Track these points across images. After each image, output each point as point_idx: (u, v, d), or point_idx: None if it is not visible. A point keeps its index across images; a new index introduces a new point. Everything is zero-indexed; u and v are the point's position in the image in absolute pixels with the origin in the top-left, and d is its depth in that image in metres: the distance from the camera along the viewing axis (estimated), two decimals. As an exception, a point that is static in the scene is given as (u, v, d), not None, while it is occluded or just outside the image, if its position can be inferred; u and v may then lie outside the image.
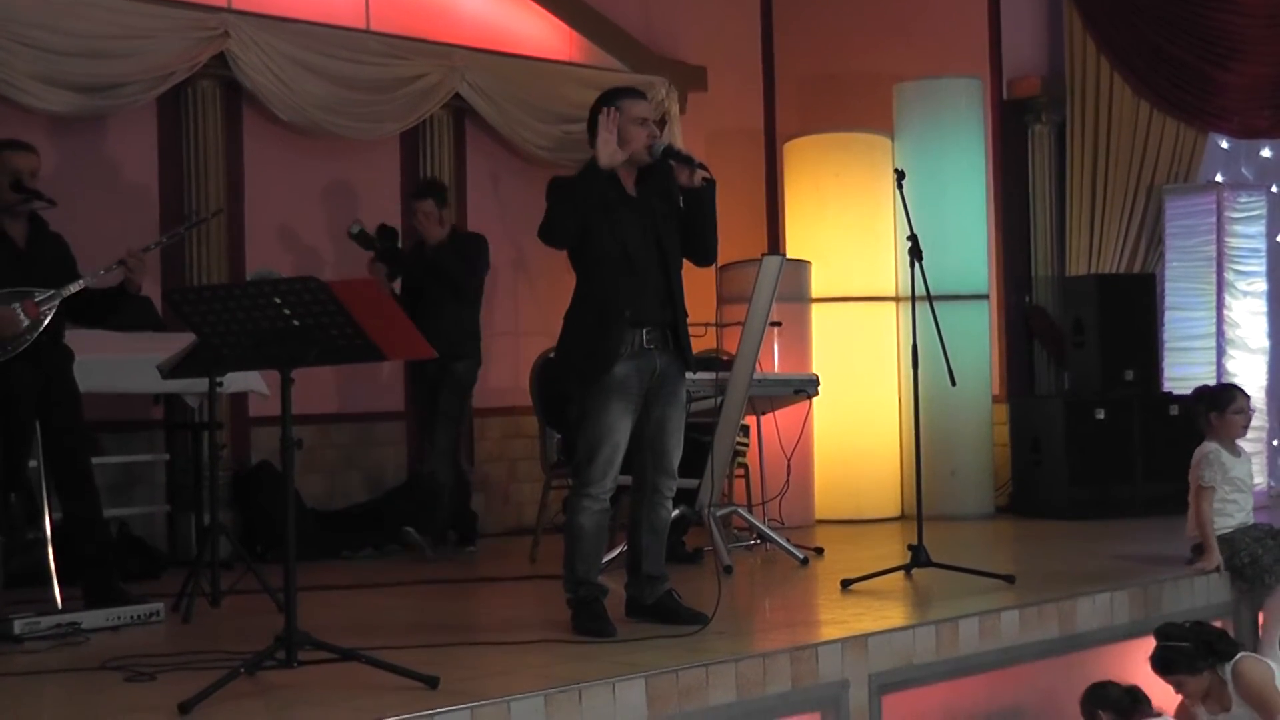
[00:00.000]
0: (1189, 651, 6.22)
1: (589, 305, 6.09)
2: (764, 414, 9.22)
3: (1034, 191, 11.45)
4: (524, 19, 10.77)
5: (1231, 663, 6.20)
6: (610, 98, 6.23)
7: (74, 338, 6.87)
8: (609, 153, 6.03)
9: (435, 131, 10.24)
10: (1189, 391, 10.61)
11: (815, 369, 9.71)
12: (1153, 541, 8.84)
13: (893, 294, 10.82)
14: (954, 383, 7.51)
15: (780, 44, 12.38)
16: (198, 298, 5.37)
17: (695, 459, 8.20)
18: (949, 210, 10.56)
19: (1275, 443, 11.36)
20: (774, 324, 9.02)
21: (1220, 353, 10.83)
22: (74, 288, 6.57)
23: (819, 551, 8.64)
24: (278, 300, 5.09)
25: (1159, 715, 6.44)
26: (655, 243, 6.10)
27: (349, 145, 9.81)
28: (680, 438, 6.26)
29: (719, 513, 8.23)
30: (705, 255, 6.26)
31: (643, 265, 6.06)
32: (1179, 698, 6.46)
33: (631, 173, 6.18)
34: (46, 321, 6.51)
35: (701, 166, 6.13)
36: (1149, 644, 6.78)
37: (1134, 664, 6.79)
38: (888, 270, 10.83)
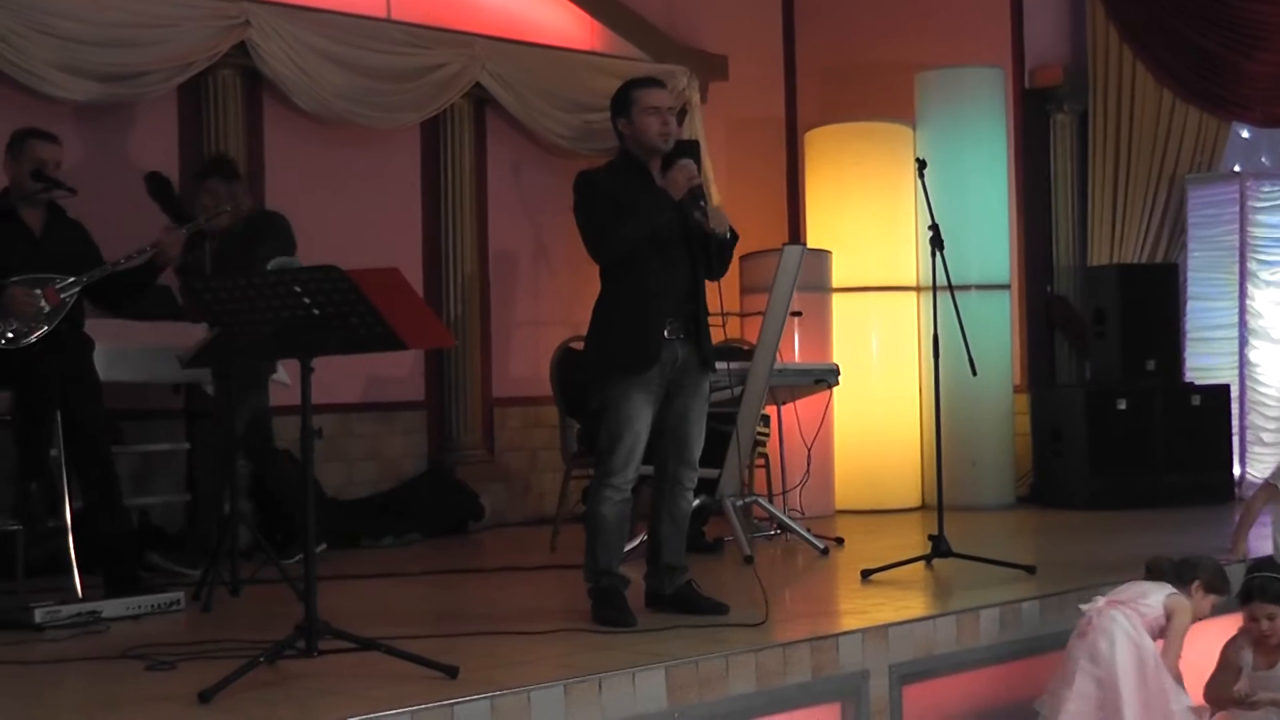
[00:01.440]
0: None
1: (626, 299, 6.06)
2: (784, 404, 9.21)
3: (1056, 181, 11.41)
4: (545, 8, 10.76)
5: None
6: (626, 87, 6.23)
7: (94, 327, 6.89)
8: (678, 193, 6.00)
9: (456, 121, 10.23)
10: (1211, 382, 10.65)
11: (836, 359, 9.70)
12: (1174, 532, 8.82)
13: (914, 284, 10.80)
14: (975, 372, 7.49)
15: (801, 33, 12.35)
16: (218, 287, 5.37)
17: (716, 449, 8.21)
18: (970, 200, 10.53)
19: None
20: (795, 314, 9.01)
21: (1242, 343, 10.79)
22: (97, 275, 6.59)
23: (839, 541, 8.63)
24: (298, 289, 5.08)
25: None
26: (681, 234, 6.09)
27: (369, 134, 9.81)
28: (702, 428, 6.25)
29: (739, 503, 8.22)
30: (711, 275, 6.24)
31: (671, 257, 6.06)
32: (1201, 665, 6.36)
33: (656, 161, 6.16)
34: (68, 309, 6.53)
35: (716, 230, 6.10)
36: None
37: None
38: (909, 260, 10.80)
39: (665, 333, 6.05)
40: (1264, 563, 6.24)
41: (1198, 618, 6.09)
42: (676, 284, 6.08)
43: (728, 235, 6.15)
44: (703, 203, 6.09)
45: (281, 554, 7.38)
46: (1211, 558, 6.39)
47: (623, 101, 6.20)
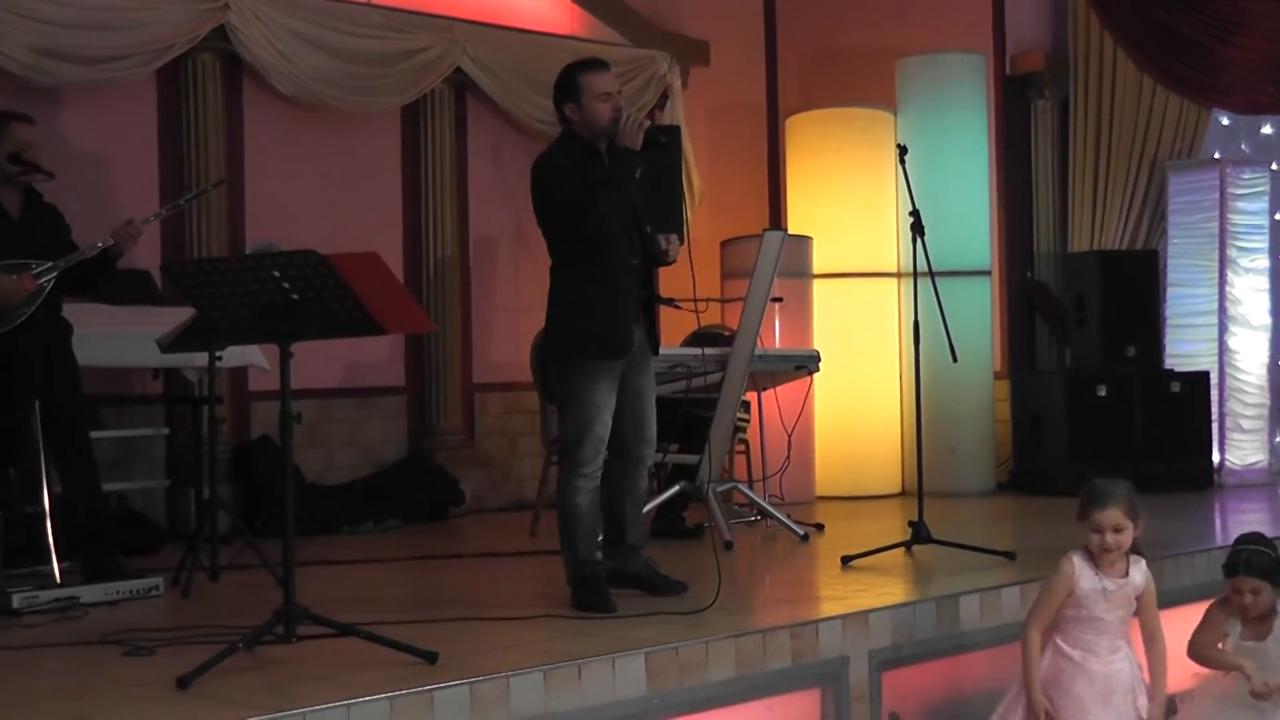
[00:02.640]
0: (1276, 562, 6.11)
1: (595, 285, 6.06)
2: (765, 390, 9.22)
3: (1036, 167, 11.41)
4: (525, -8, 10.75)
5: None
6: (572, 72, 6.17)
7: (73, 311, 6.86)
8: (636, 144, 6.03)
9: (436, 105, 10.20)
10: (1191, 368, 10.67)
11: (816, 345, 9.70)
12: (1152, 518, 8.80)
13: (894, 270, 10.80)
14: (955, 359, 7.50)
15: (782, 18, 12.34)
16: (196, 271, 5.35)
17: (696, 434, 8.22)
18: (951, 186, 10.54)
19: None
20: (775, 299, 9.01)
21: (1222, 329, 10.81)
22: (74, 259, 6.56)
23: (819, 527, 8.63)
24: (277, 273, 5.06)
25: None
26: (632, 220, 6.13)
27: (349, 119, 9.78)
28: (654, 403, 6.30)
29: (719, 488, 8.23)
30: (659, 258, 6.33)
31: (630, 243, 6.11)
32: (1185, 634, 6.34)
33: (603, 145, 6.15)
34: (45, 294, 6.50)
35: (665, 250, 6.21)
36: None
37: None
38: (890, 246, 10.81)
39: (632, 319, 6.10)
40: (1251, 536, 6.20)
41: None
42: (634, 269, 6.12)
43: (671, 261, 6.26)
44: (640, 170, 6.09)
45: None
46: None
47: (569, 87, 6.15)
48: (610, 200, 5.96)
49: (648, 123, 6.09)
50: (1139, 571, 5.60)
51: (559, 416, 6.29)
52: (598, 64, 6.22)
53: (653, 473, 8.52)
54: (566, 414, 6.13)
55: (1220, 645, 6.00)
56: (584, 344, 6.06)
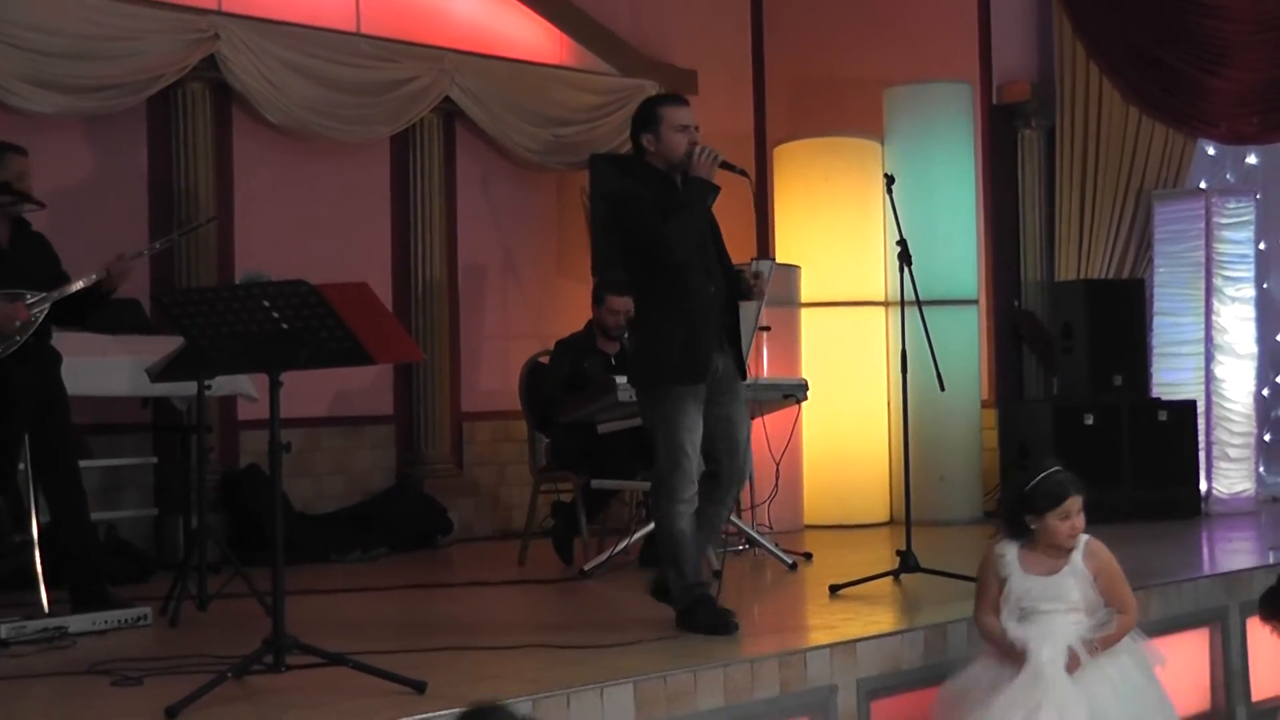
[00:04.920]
0: None
1: (676, 311, 6.08)
2: (753, 418, 9.21)
3: (1023, 196, 11.45)
4: (514, 22, 10.77)
5: None
6: (652, 104, 6.28)
7: (62, 340, 6.85)
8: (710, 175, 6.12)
9: (425, 134, 10.23)
10: (1177, 397, 10.69)
11: (804, 374, 9.72)
12: (1141, 547, 8.84)
13: (882, 299, 10.83)
14: (943, 387, 7.52)
15: (770, 48, 12.38)
16: (186, 300, 5.35)
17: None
18: (938, 215, 10.57)
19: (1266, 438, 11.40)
20: (763, 328, 9.03)
21: (1209, 358, 10.83)
22: (66, 290, 6.55)
23: (808, 556, 8.64)
24: (267, 303, 5.08)
25: None
26: (714, 243, 6.22)
27: (339, 148, 9.81)
28: (747, 432, 6.32)
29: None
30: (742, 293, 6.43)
31: (710, 271, 6.16)
32: None
33: (677, 177, 6.20)
34: (37, 324, 6.50)
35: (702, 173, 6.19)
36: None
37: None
38: (877, 275, 10.83)
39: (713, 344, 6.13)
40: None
41: None
42: (715, 296, 6.16)
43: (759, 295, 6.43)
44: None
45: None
46: None
47: (649, 118, 6.21)
48: (681, 227, 6.01)
49: (721, 156, 6.15)
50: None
51: (653, 443, 6.23)
52: (678, 98, 6.38)
53: (641, 501, 8.55)
54: (658, 441, 6.14)
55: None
56: (663, 370, 6.09)
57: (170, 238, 7.24)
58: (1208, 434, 10.73)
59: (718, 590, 6.27)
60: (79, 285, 6.57)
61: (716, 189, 6.19)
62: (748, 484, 9.20)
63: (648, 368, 6.19)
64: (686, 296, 6.08)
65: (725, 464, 6.25)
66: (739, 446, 6.26)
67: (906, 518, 7.64)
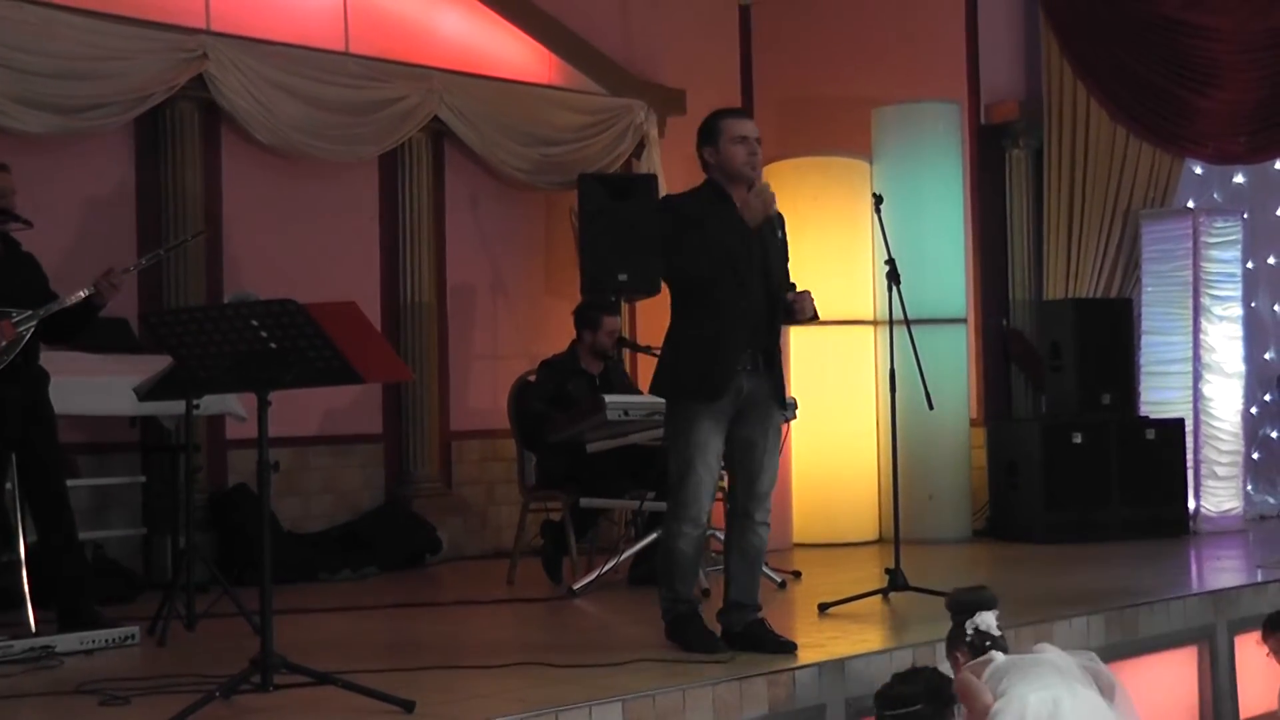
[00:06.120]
0: None
1: (698, 327, 6.04)
2: (742, 437, 9.21)
3: (1011, 216, 11.48)
4: (503, 42, 10.79)
5: None
6: (713, 117, 6.30)
7: (50, 359, 6.84)
8: (754, 219, 6.06)
9: (414, 154, 10.24)
10: (1165, 415, 10.71)
11: (793, 392, 9.69)
12: (1129, 565, 8.86)
13: (871, 318, 10.84)
14: (931, 406, 7.52)
15: (759, 67, 12.41)
16: (174, 320, 5.36)
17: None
18: (927, 234, 10.60)
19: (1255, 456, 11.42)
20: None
21: (1196, 377, 10.85)
22: (54, 308, 6.55)
23: (796, 575, 8.64)
24: (255, 323, 5.08)
25: None
26: (761, 264, 6.09)
27: (327, 167, 9.81)
28: (772, 461, 6.18)
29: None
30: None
31: (748, 287, 6.03)
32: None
33: (741, 190, 6.17)
34: (24, 343, 6.49)
35: (801, 318, 6.24)
36: (1126, 667, 6.80)
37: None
38: (866, 294, 10.85)
39: (736, 364, 6.01)
40: None
41: None
42: (751, 314, 6.05)
43: (812, 317, 6.28)
44: (780, 233, 6.23)
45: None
46: None
47: (710, 131, 6.25)
48: (699, 241, 5.97)
49: (774, 198, 6.12)
50: None
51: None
52: (738, 111, 6.48)
53: (630, 520, 8.54)
54: (670, 454, 6.12)
55: None
56: (681, 385, 6.06)
57: (157, 253, 7.21)
58: (1196, 452, 10.75)
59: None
60: (67, 302, 6.56)
61: (770, 220, 6.15)
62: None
63: (665, 380, 6.16)
64: (714, 314, 6.00)
65: (742, 492, 6.17)
66: (758, 474, 6.13)
67: (895, 536, 7.65)
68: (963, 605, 5.42)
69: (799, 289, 6.27)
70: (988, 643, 5.27)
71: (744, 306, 6.03)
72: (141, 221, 9.06)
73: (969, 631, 5.32)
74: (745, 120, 6.31)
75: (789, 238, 6.37)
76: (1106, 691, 5.19)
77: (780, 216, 6.28)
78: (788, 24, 12.21)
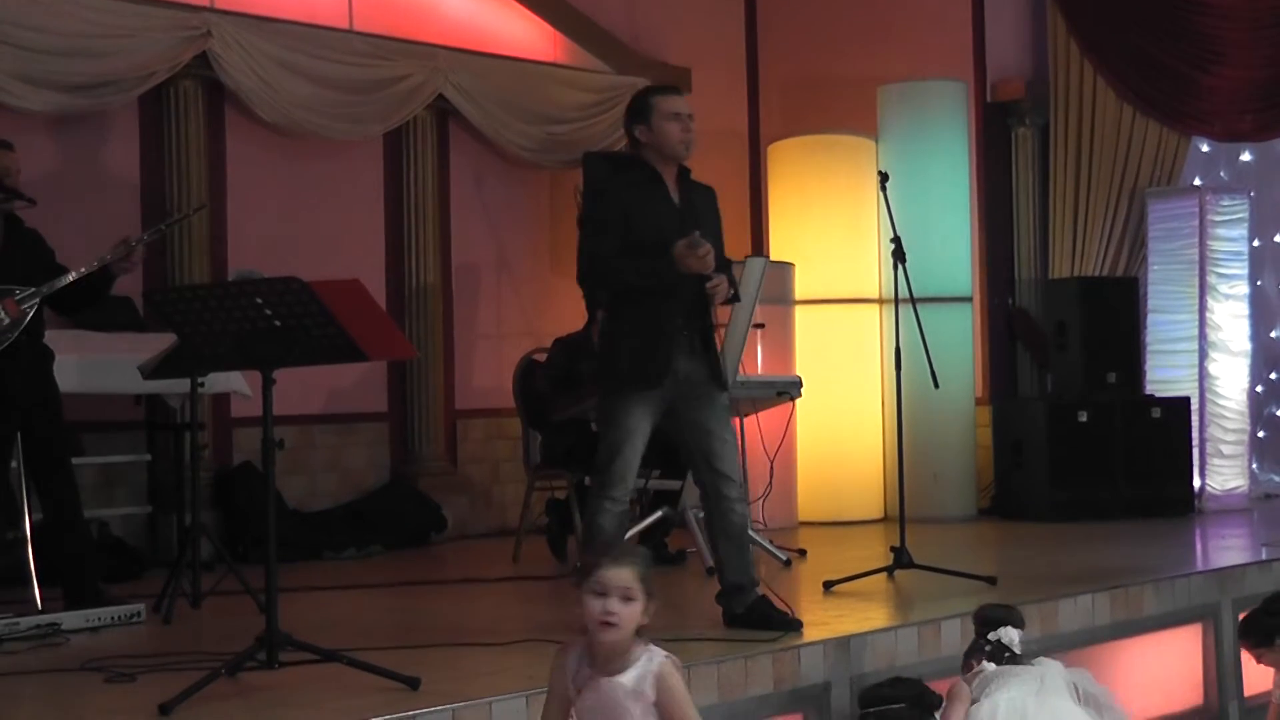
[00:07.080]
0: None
1: (635, 312, 6.01)
2: (747, 416, 9.21)
3: (1017, 194, 11.45)
4: (508, 20, 10.76)
5: None
6: (643, 94, 6.21)
7: (55, 338, 6.85)
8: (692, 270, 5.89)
9: (418, 132, 10.22)
10: (1171, 394, 10.70)
11: (798, 371, 9.71)
12: (1134, 544, 8.86)
13: (876, 296, 10.83)
14: (937, 385, 7.52)
15: (764, 46, 12.38)
16: (179, 298, 5.36)
17: (677, 461, 8.22)
18: (932, 213, 10.57)
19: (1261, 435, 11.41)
20: (757, 326, 9.01)
21: (1202, 355, 10.84)
22: (58, 284, 6.54)
23: (802, 553, 8.64)
24: (259, 300, 5.07)
25: None
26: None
27: (332, 146, 9.80)
28: (728, 437, 6.12)
29: (701, 514, 8.21)
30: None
31: (680, 272, 5.93)
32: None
33: (672, 170, 6.13)
34: (27, 320, 6.49)
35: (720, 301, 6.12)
36: (1130, 645, 6.80)
37: (1114, 665, 6.80)
38: (871, 272, 10.84)
39: (675, 349, 5.98)
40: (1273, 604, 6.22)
41: None
42: (685, 298, 6.00)
43: (732, 298, 6.23)
44: (714, 207, 6.17)
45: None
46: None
47: (641, 108, 6.13)
48: (630, 272, 5.94)
49: (713, 263, 5.91)
50: (639, 667, 4.17)
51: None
52: (670, 88, 6.36)
53: (634, 499, 8.54)
54: (601, 436, 6.12)
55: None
56: (615, 371, 6.03)
57: (159, 228, 7.19)
58: (1201, 431, 10.75)
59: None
60: (72, 277, 6.55)
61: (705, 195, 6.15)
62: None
63: (601, 366, 6.15)
64: (644, 299, 5.97)
65: (706, 473, 6.12)
66: (717, 454, 6.07)
67: (900, 514, 7.64)
68: (990, 620, 5.50)
69: (734, 263, 6.28)
70: (1006, 654, 5.32)
71: (680, 290, 5.96)
72: (146, 200, 9.05)
73: (990, 642, 5.37)
74: (678, 96, 6.20)
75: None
76: (1091, 706, 5.27)
77: (711, 190, 6.23)
78: (793, 1, 12.18)
